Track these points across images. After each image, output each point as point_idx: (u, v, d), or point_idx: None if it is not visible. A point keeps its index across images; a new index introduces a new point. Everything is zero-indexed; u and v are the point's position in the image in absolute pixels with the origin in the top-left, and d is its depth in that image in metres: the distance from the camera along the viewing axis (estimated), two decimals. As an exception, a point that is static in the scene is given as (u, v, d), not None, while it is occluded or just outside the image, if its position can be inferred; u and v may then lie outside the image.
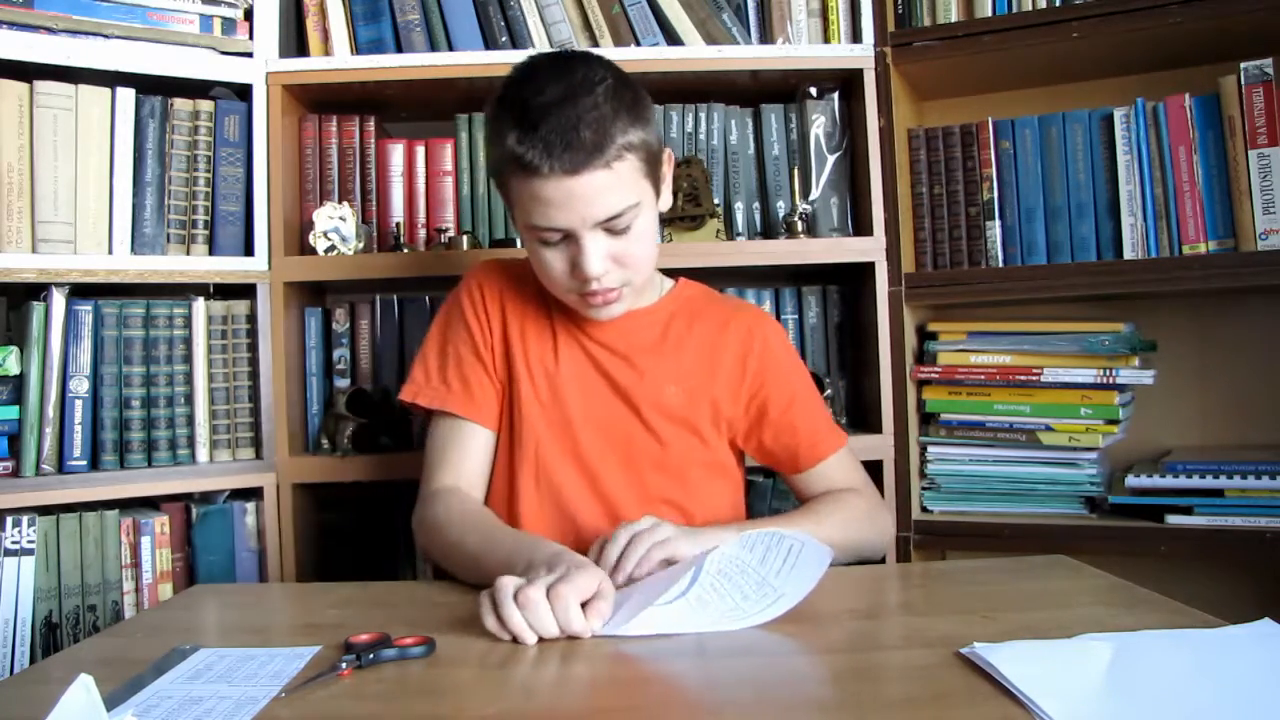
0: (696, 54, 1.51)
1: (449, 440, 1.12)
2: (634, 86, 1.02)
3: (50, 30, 1.37)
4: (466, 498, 1.09)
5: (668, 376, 1.12)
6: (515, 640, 0.75)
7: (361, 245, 1.52)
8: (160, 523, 1.41)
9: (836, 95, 1.60)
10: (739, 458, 1.19)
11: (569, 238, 0.99)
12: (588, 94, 0.96)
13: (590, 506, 1.09)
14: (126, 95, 1.42)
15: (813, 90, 1.59)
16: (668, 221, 1.50)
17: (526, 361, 1.12)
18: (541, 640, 0.75)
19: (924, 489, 1.55)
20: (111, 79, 1.41)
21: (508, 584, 0.77)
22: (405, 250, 1.54)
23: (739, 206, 1.60)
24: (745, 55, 1.52)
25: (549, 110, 0.94)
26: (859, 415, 1.61)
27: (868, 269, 1.52)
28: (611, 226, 0.99)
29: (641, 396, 1.11)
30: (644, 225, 1.02)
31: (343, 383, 1.56)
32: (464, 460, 1.11)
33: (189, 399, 1.46)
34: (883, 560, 1.25)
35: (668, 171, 1.08)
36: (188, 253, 1.47)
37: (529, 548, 0.90)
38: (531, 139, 0.94)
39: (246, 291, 1.49)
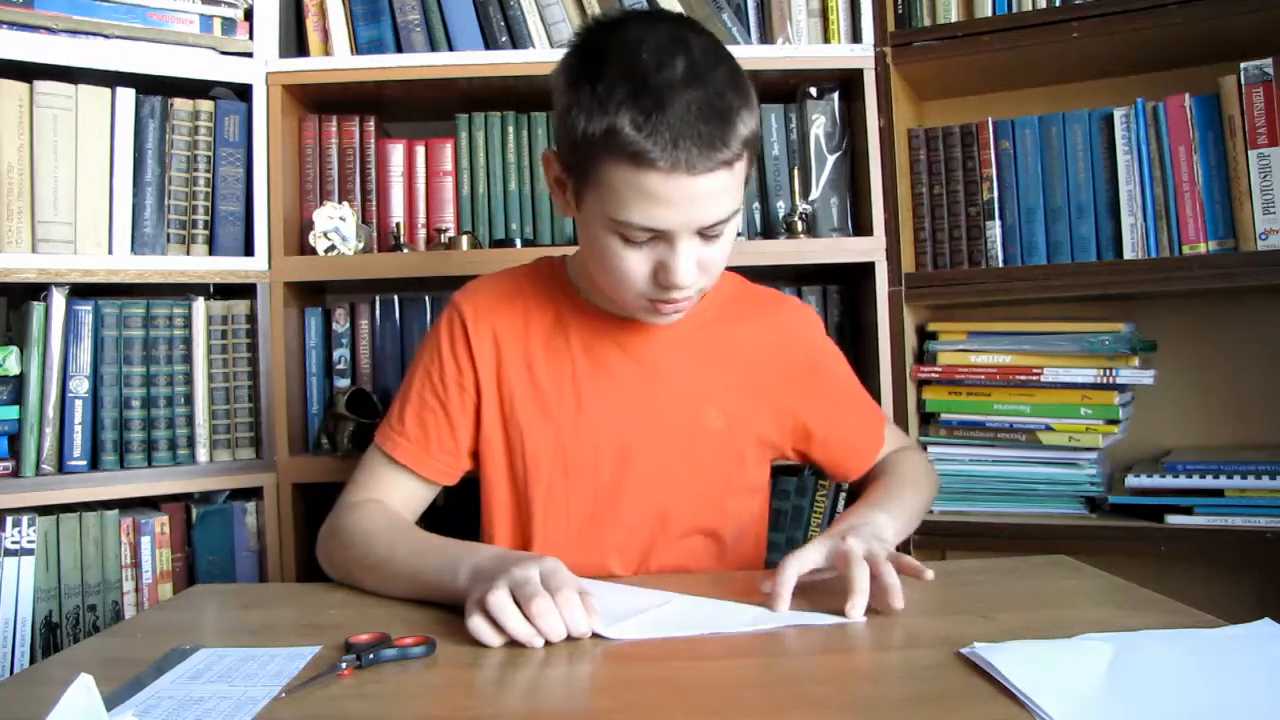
0: (696, 54, 1.51)
1: (381, 473, 1.04)
2: (737, 62, 0.89)
3: (50, 30, 1.37)
4: (391, 510, 1.01)
5: (709, 397, 1.04)
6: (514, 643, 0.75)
7: (361, 245, 1.52)
8: (160, 523, 1.41)
9: (836, 95, 1.60)
10: (768, 469, 1.14)
11: (659, 238, 0.87)
12: (711, 73, 0.84)
13: (611, 551, 1.03)
14: (126, 95, 1.42)
15: (813, 90, 1.59)
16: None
17: (539, 398, 1.02)
18: (546, 643, 0.75)
19: (924, 489, 1.55)
20: (111, 79, 1.41)
21: (504, 599, 0.73)
22: (405, 250, 1.54)
23: (739, 206, 1.60)
24: (745, 55, 1.51)
25: (674, 92, 0.81)
26: (859, 415, 1.61)
27: (868, 269, 1.52)
28: (709, 232, 0.88)
29: (682, 423, 1.03)
30: (733, 229, 0.92)
31: (343, 383, 1.56)
32: (394, 489, 1.03)
33: (189, 399, 1.45)
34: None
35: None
36: (188, 253, 1.47)
37: (468, 554, 0.85)
38: (654, 124, 0.81)
39: (246, 291, 1.49)
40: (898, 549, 0.92)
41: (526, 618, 0.73)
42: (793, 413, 1.09)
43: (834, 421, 1.12)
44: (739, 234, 1.58)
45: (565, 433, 1.02)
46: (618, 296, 0.95)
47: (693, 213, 0.85)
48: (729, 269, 1.08)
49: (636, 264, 0.89)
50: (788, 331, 1.10)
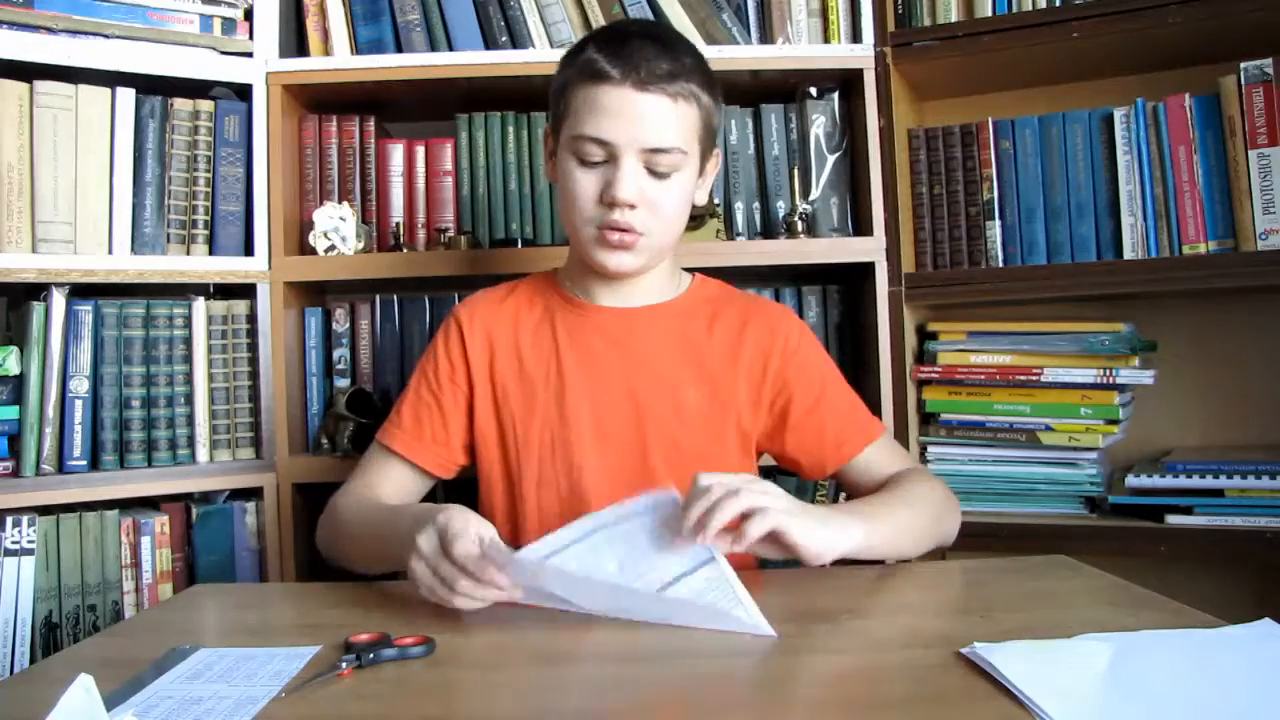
0: (696, 54, 1.51)
1: (378, 462, 1.11)
2: (705, 60, 1.06)
3: (50, 30, 1.37)
4: (374, 495, 1.07)
5: (688, 379, 1.08)
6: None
7: (361, 245, 1.52)
8: (160, 523, 1.41)
9: (836, 95, 1.60)
10: (754, 460, 1.15)
11: (609, 162, 1.00)
12: (676, 44, 1.03)
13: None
14: (126, 95, 1.42)
15: (813, 90, 1.58)
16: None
17: (527, 385, 1.09)
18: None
19: (924, 489, 1.55)
20: (111, 79, 1.41)
21: (434, 585, 0.80)
22: (405, 250, 1.54)
23: (739, 206, 1.60)
24: (745, 55, 1.52)
25: (637, 38, 1.00)
26: (859, 415, 1.61)
27: (868, 269, 1.52)
28: (654, 164, 1.00)
29: (659, 401, 1.07)
30: (682, 182, 1.03)
31: (343, 383, 1.56)
32: (384, 482, 1.09)
33: (189, 399, 1.45)
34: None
35: (711, 169, 1.09)
36: (188, 253, 1.47)
37: (414, 522, 0.86)
38: (612, 50, 0.98)
39: (246, 291, 1.49)
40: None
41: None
42: (771, 395, 1.10)
43: (814, 409, 1.10)
44: (739, 234, 1.59)
45: (551, 412, 1.08)
46: (576, 228, 1.04)
47: (633, 127, 0.98)
48: (718, 277, 1.19)
49: (588, 184, 1.01)
50: (770, 326, 1.12)
